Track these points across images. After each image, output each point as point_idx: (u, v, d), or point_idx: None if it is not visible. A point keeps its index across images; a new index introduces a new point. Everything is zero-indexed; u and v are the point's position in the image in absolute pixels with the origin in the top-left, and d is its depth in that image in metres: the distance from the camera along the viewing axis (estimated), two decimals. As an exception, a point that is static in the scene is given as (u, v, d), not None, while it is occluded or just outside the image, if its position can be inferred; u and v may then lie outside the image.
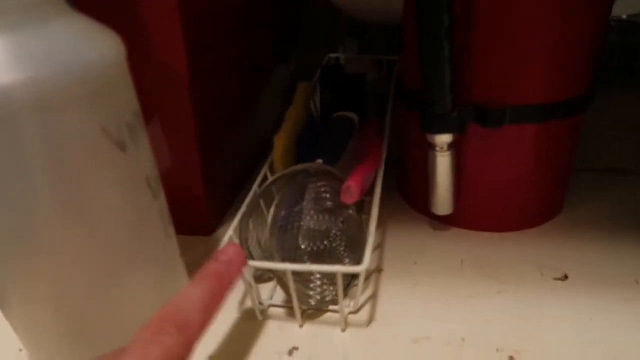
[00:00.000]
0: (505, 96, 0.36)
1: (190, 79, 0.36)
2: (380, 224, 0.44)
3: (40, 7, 0.23)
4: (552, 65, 0.36)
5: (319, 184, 0.36)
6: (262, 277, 0.37)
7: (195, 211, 0.42)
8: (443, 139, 0.37)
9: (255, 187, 0.38)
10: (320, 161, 0.38)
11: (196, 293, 0.23)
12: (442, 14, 0.32)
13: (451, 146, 0.37)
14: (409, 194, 0.47)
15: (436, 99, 0.35)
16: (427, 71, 0.35)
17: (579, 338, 0.32)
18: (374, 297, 0.36)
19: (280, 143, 0.40)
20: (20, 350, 0.33)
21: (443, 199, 0.39)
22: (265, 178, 0.40)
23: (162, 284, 0.32)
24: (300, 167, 0.37)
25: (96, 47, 0.25)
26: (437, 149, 0.37)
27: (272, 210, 0.34)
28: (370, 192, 0.39)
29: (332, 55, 0.64)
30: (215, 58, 0.41)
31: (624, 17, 0.74)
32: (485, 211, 0.42)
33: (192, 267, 0.32)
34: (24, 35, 0.22)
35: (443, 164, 0.38)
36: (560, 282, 0.37)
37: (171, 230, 0.32)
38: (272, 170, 0.41)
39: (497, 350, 0.32)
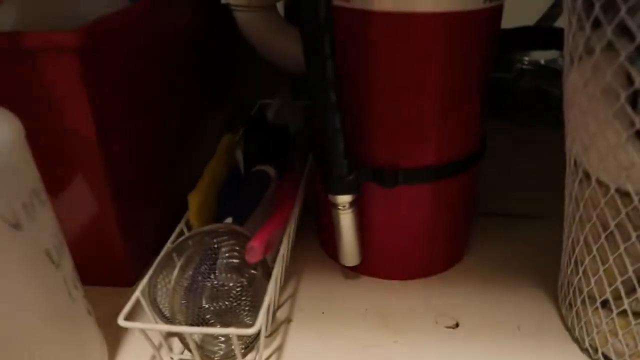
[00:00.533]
0: (397, 160, 0.40)
1: (100, 145, 0.38)
2: (296, 272, 0.46)
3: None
4: (439, 130, 0.39)
5: (228, 242, 0.38)
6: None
7: (116, 264, 0.44)
8: (344, 199, 0.40)
9: (168, 244, 0.40)
10: (229, 220, 0.41)
11: None
12: (329, 92, 0.35)
13: (353, 204, 0.40)
14: (325, 243, 0.49)
15: (332, 164, 0.38)
16: (322, 139, 0.38)
17: (462, 385, 0.35)
18: (280, 348, 0.39)
19: (195, 202, 0.42)
20: None
21: (348, 251, 0.42)
22: (181, 234, 0.42)
23: (71, 344, 0.34)
24: (209, 228, 0.39)
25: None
26: (339, 207, 0.40)
27: (176, 271, 0.36)
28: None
29: (263, 102, 0.66)
30: (129, 122, 0.42)
31: (542, 62, 0.80)
32: (390, 261, 0.45)
33: (112, 317, 0.34)
34: None
35: (345, 221, 0.40)
36: (451, 330, 0.39)
37: (77, 292, 0.34)
38: (189, 226, 0.43)
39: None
